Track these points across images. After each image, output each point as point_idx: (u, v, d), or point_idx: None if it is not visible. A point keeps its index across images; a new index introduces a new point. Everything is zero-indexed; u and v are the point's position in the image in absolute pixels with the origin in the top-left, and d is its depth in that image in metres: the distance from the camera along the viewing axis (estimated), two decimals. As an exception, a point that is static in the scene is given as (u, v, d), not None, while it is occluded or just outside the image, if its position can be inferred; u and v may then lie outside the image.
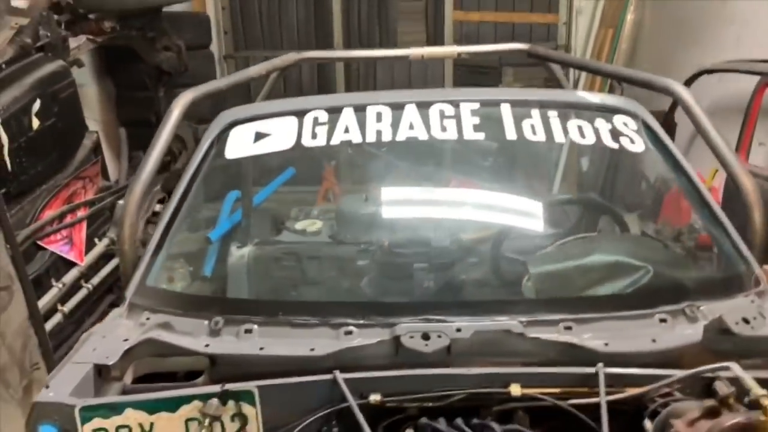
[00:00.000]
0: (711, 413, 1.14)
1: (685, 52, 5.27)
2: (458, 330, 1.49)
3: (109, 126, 4.99)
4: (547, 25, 6.58)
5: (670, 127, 4.55)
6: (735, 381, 1.27)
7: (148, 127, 4.86)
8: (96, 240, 3.79)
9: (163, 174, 4.68)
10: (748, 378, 1.16)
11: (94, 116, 4.71)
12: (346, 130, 2.04)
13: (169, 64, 4.56)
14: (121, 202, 3.97)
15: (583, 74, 6.27)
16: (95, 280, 3.69)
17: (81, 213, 3.65)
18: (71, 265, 3.55)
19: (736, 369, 1.19)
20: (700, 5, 5.08)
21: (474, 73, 6.51)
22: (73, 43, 4.01)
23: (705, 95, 4.65)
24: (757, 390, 1.11)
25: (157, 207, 4.50)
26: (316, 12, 6.65)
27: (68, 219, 3.54)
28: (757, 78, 3.76)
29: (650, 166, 2.22)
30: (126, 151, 4.60)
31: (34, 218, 3.30)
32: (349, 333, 1.53)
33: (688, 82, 4.51)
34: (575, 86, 6.26)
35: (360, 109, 2.09)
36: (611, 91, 5.98)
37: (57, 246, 3.43)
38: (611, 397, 1.29)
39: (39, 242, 3.33)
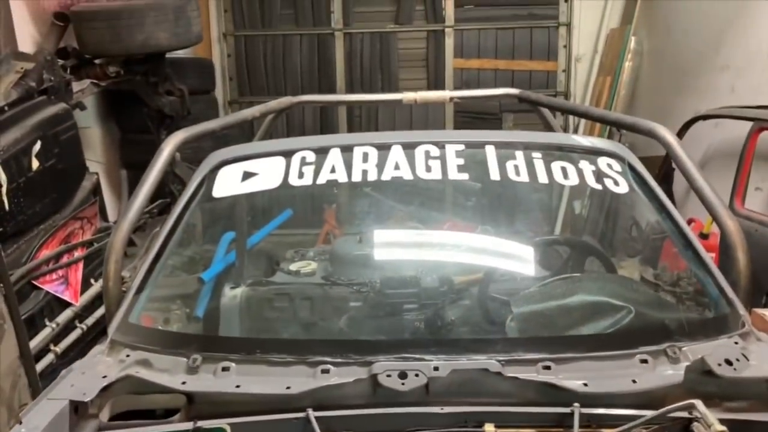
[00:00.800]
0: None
1: (682, 98, 5.34)
2: (436, 368, 1.48)
3: (111, 167, 5.06)
4: (547, 73, 6.68)
5: (669, 171, 4.57)
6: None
7: (149, 169, 4.94)
8: (92, 280, 3.80)
9: (163, 216, 4.73)
10: (709, 414, 1.14)
11: (96, 158, 4.79)
12: (333, 170, 2.07)
13: (171, 108, 4.65)
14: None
15: (583, 121, 6.35)
16: (90, 320, 3.69)
17: (78, 253, 3.67)
18: (66, 305, 3.55)
19: (700, 406, 1.17)
20: (695, 53, 5.16)
21: (475, 119, 6.61)
22: (77, 86, 4.11)
23: (701, 141, 4.70)
24: (717, 426, 1.09)
25: (157, 249, 4.53)
26: (319, 59, 6.79)
27: (65, 259, 3.56)
28: (750, 124, 3.79)
29: (635, 208, 2.22)
30: (126, 192, 4.66)
31: (30, 258, 3.32)
32: (326, 371, 1.51)
33: (684, 128, 4.55)
34: (575, 132, 6.33)
35: (347, 150, 2.13)
36: (610, 137, 6.05)
37: (52, 286, 3.44)
38: (586, 438, 1.27)
39: (34, 281, 3.35)
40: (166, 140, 2.18)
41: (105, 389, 1.55)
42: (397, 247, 2.66)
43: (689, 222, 4.31)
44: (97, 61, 4.40)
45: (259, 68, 6.85)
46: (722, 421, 1.26)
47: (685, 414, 1.29)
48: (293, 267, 2.94)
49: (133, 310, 1.82)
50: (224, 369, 1.57)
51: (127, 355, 1.67)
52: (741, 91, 4.45)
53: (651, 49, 6.07)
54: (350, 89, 6.79)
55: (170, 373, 1.59)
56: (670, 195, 4.63)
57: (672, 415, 1.30)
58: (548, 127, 3.11)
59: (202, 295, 2.64)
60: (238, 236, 2.86)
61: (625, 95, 6.21)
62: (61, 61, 4.11)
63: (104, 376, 1.57)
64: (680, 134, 4.62)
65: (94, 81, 4.29)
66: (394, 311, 2.16)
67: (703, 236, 4.28)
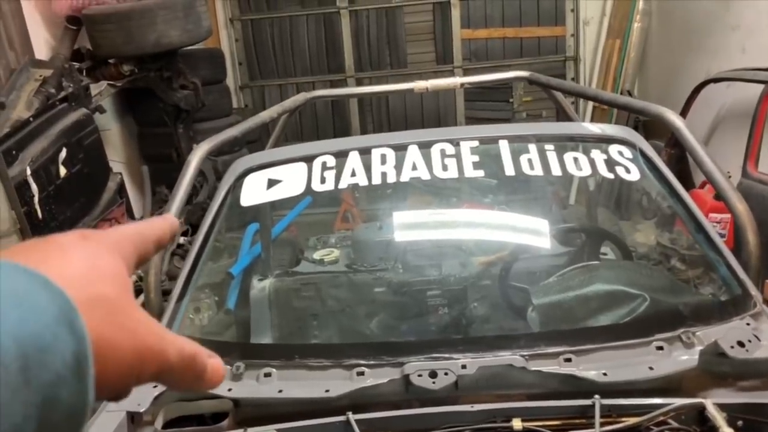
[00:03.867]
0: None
1: (692, 58, 5.32)
2: (464, 366, 1.57)
3: (132, 164, 5.16)
4: (555, 38, 6.65)
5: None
6: (725, 407, 1.34)
7: (169, 162, 5.04)
8: (124, 278, 3.93)
9: (186, 207, 4.84)
10: (718, 416, 1.23)
11: (117, 157, 4.89)
12: (353, 174, 2.15)
13: (186, 102, 4.72)
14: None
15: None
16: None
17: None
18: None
19: (708, 405, 1.26)
20: (704, 12, 5.12)
21: (485, 89, 6.61)
22: (94, 89, 4.19)
23: (714, 103, 4.70)
24: (725, 429, 1.18)
25: (181, 239, 4.66)
26: (326, 39, 6.81)
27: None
28: (762, 86, 3.79)
29: (648, 193, 2.29)
30: (149, 187, 4.76)
31: (65, 261, 3.45)
32: (362, 374, 1.61)
33: (696, 91, 4.56)
34: (585, 106, 6.32)
35: (365, 152, 2.20)
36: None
37: (88, 287, 3.58)
38: (607, 428, 1.37)
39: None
40: (192, 153, 2.27)
41: (157, 398, 1.67)
42: (416, 230, 2.75)
43: (703, 185, 4.35)
44: (110, 61, 4.47)
45: (268, 51, 6.89)
46: (737, 406, 1.36)
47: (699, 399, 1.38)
48: (317, 255, 3.02)
49: (176, 320, 1.93)
50: (266, 375, 1.68)
51: (175, 365, 1.78)
52: (752, 51, 4.43)
53: (660, 9, 6.02)
54: (359, 67, 6.83)
55: None
56: (683, 159, 4.66)
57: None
58: (559, 107, 3.16)
59: (232, 287, 2.75)
60: (262, 227, 2.95)
61: (635, 57, 6.18)
62: (76, 64, 4.19)
63: (155, 386, 1.69)
64: (692, 96, 4.63)
65: (111, 82, 4.36)
66: (420, 306, 2.25)
67: (718, 198, 4.31)
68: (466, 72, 6.72)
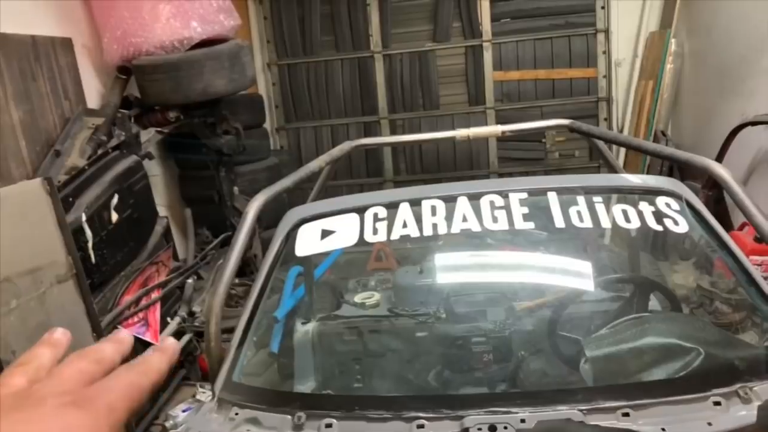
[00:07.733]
0: None
1: (726, 101, 5.33)
2: (522, 420, 1.60)
3: (174, 207, 5.30)
4: (587, 79, 6.71)
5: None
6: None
7: (210, 204, 5.17)
8: (168, 319, 4.02)
9: (225, 248, 4.95)
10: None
11: (161, 200, 5.02)
12: (404, 225, 2.21)
13: (229, 146, 4.85)
14: (190, 281, 4.20)
15: (626, 130, 6.39)
16: (170, 358, 3.91)
17: (154, 295, 3.90)
18: (147, 345, 3.78)
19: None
20: (738, 56, 5.15)
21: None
22: (143, 136, 4.34)
23: (751, 145, 4.71)
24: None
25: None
26: (360, 82, 6.96)
27: (143, 302, 3.79)
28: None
29: (689, 237, 2.30)
30: (192, 229, 4.88)
31: (115, 304, 3.56)
32: (421, 426, 1.65)
33: (732, 134, 4.58)
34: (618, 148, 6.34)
35: (415, 204, 2.27)
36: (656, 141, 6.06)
37: (134, 328, 3.67)
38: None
39: (118, 326, 3.58)
40: (249, 204, 2.34)
41: None
42: (456, 273, 2.79)
43: (742, 227, 4.34)
44: (156, 108, 4.63)
45: (303, 94, 7.05)
46: None
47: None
48: (357, 299, 3.07)
49: (236, 369, 1.99)
50: (327, 426, 1.72)
51: (236, 414, 1.83)
52: (788, 95, 4.44)
53: (692, 51, 6.06)
54: (392, 108, 6.96)
55: (278, 430, 1.75)
56: (721, 199, 4.66)
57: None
58: (600, 155, 3.20)
59: (276, 331, 2.81)
60: (306, 270, 3.00)
61: (668, 98, 6.21)
62: (126, 112, 4.35)
63: None
64: (729, 139, 4.65)
65: (158, 129, 4.52)
66: (468, 355, 2.28)
67: (758, 240, 4.30)
68: (498, 113, 6.81)
